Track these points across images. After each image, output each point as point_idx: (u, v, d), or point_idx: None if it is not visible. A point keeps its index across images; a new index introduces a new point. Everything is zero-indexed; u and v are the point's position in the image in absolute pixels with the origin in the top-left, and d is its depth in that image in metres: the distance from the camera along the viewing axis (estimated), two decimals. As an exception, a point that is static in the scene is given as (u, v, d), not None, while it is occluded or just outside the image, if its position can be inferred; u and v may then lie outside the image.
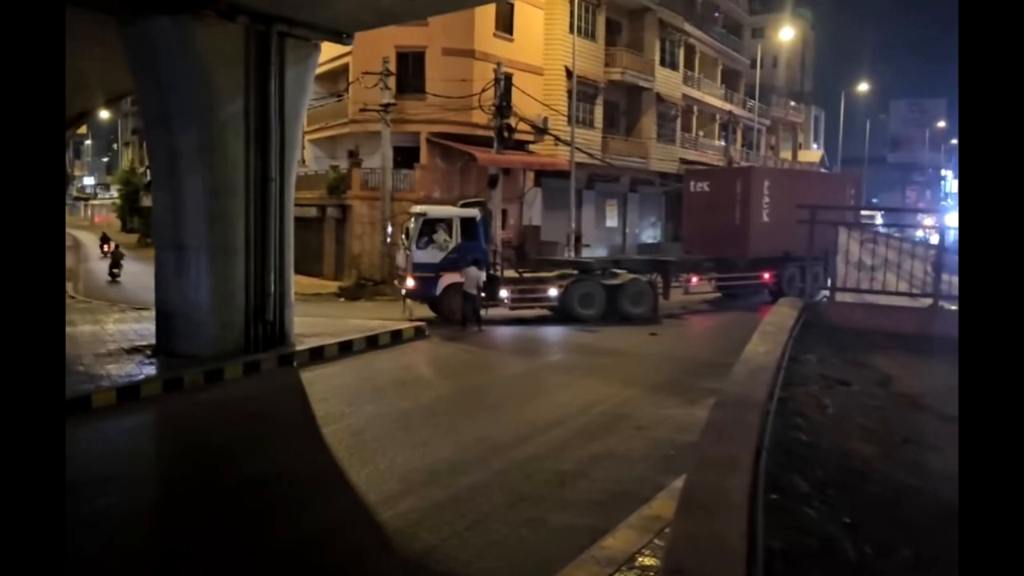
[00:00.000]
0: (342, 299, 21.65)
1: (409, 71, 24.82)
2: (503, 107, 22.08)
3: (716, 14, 43.26)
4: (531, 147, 27.24)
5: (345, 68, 25.63)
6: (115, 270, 26.20)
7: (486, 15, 25.28)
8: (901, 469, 3.60)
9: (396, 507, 6.01)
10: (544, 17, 27.85)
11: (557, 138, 25.76)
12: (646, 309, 17.15)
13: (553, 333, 16.03)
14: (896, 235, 9.34)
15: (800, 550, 2.57)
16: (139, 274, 23.71)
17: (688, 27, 35.90)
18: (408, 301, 16.30)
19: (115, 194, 56.55)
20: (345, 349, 12.83)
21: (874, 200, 58.67)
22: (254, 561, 5.25)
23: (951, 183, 77.56)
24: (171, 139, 11.43)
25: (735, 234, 19.90)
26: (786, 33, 42.53)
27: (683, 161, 34.91)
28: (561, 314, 16.82)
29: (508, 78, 23.12)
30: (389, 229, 21.61)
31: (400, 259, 17.48)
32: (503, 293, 16.77)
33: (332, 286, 23.42)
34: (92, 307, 17.95)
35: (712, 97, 40.02)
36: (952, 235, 8.31)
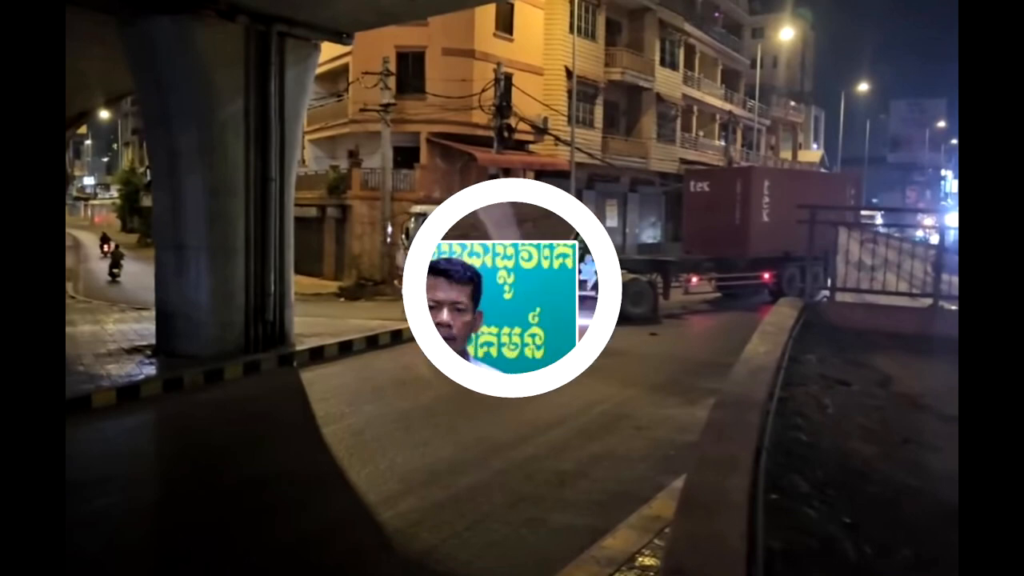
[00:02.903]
0: (342, 299, 21.61)
1: (409, 71, 24.82)
2: (503, 107, 22.09)
3: (716, 14, 43.26)
4: (531, 147, 27.23)
5: (345, 68, 25.63)
6: (115, 270, 26.20)
7: (486, 15, 25.28)
8: (901, 469, 3.61)
9: (396, 507, 6.00)
10: (544, 17, 27.85)
11: (557, 138, 25.75)
12: (646, 309, 17.12)
13: (553, 333, 15.99)
14: (896, 235, 9.36)
15: (800, 550, 2.57)
16: (139, 274, 23.69)
17: (688, 27, 35.91)
18: (408, 301, 16.26)
19: (115, 194, 56.56)
20: (345, 349, 12.82)
21: (874, 200, 58.70)
22: (254, 561, 5.24)
23: (951, 183, 77.56)
24: (171, 139, 11.43)
25: (735, 234, 19.87)
26: (786, 33, 42.56)
27: (683, 161, 34.91)
28: (561, 314, 16.78)
29: (508, 78, 23.13)
30: (389, 229, 21.61)
31: (400, 259, 17.47)
32: (503, 293, 16.73)
33: (332, 286, 23.40)
34: (92, 307, 17.94)
35: (712, 97, 40.01)
36: (952, 235, 8.32)
